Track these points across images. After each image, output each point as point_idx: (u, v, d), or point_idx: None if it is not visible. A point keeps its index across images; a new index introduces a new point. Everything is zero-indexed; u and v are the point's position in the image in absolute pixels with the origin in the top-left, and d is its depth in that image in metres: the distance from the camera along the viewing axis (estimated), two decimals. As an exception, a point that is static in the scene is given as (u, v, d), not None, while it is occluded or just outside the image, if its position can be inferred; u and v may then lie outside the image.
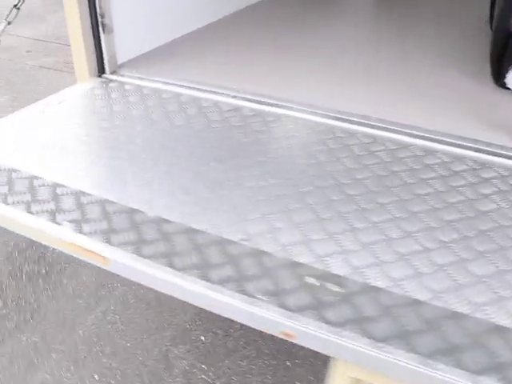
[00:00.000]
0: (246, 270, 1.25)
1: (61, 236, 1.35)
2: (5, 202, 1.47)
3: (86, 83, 2.13)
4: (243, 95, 2.01)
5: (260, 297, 1.18)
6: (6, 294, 2.58)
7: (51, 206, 1.45)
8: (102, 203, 1.46)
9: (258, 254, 1.30)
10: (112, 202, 1.46)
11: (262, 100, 1.98)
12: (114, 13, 2.12)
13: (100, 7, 2.07)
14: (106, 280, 2.65)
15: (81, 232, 1.36)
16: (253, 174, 1.59)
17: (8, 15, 1.72)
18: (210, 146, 1.72)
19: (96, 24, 2.08)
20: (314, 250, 1.32)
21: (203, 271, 1.24)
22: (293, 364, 2.29)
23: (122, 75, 2.19)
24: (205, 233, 1.35)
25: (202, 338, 2.39)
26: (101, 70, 2.18)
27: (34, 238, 1.41)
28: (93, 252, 1.31)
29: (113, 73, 2.20)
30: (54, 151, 1.69)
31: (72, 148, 1.71)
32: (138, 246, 1.31)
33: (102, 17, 2.09)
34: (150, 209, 1.44)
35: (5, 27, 1.68)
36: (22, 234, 1.43)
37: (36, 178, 1.56)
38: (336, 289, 1.22)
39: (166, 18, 2.47)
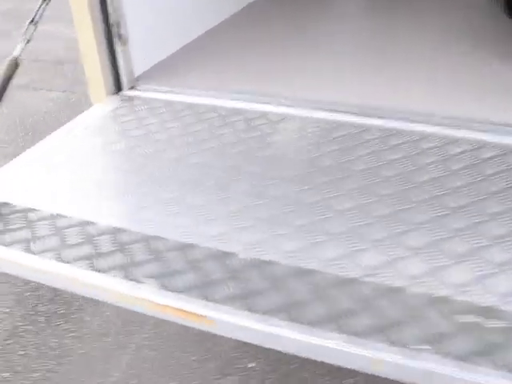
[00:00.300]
0: (388, 315, 1.00)
1: (145, 296, 1.06)
2: (58, 258, 1.17)
3: (105, 103, 1.81)
4: (290, 102, 1.74)
5: (419, 346, 0.94)
6: (24, 341, 2.23)
7: (121, 258, 1.15)
8: (183, 249, 1.17)
9: (391, 291, 1.06)
10: (194, 246, 1.17)
11: (313, 106, 1.72)
12: (128, 21, 1.81)
13: (114, 15, 1.75)
14: (133, 313, 2.34)
15: (169, 289, 1.07)
16: (340, 193, 1.34)
17: (25, 32, 1.39)
18: (278, 165, 1.45)
19: (110, 35, 1.77)
20: (451, 280, 1.09)
21: (338, 323, 0.99)
22: (355, 382, 2.07)
23: (144, 90, 1.88)
24: (322, 273, 1.09)
25: (252, 365, 2.13)
26: (118, 87, 1.86)
27: (108, 301, 1.12)
28: (191, 313, 1.03)
29: (131, 88, 1.89)
30: (100, 189, 1.39)
31: (120, 185, 1.40)
32: (246, 300, 1.04)
33: (118, 26, 1.77)
34: (242, 249, 1.16)
35: (24, 46, 1.36)
36: (92, 296, 1.13)
37: (89, 223, 1.26)
38: (500, 324, 0.99)
39: (176, 22, 2.17)
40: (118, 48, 1.80)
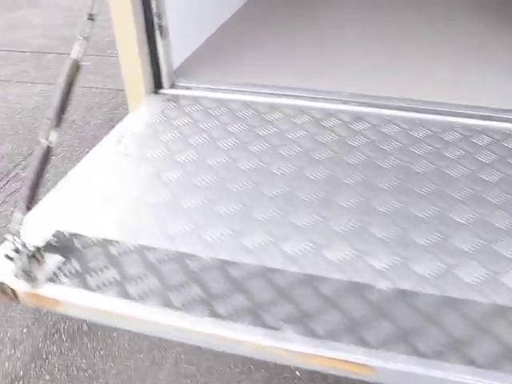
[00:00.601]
0: None
1: (290, 346, 0.89)
2: (168, 304, 0.97)
3: (149, 104, 1.58)
4: (354, 99, 1.57)
5: None
6: (50, 363, 1.99)
7: (243, 300, 0.97)
8: (311, 283, 1.00)
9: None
10: (321, 279, 1.01)
11: (383, 104, 1.55)
12: (168, 11, 1.58)
13: (156, 5, 1.52)
14: (165, 324, 2.14)
15: (313, 336, 0.91)
16: (452, 203, 1.20)
17: (83, 30, 1.15)
18: (372, 173, 1.29)
19: (152, 27, 1.54)
20: None
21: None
22: None
23: (187, 88, 1.66)
24: (479, 304, 0.96)
25: (298, 373, 2.00)
26: (158, 84, 1.63)
27: (244, 354, 0.94)
28: (348, 362, 0.87)
29: (172, 86, 1.67)
30: (179, 213, 1.18)
31: (201, 206, 1.19)
32: (405, 342, 0.90)
33: (159, 17, 1.54)
34: (377, 278, 1.01)
35: (83, 46, 1.12)
36: (224, 349, 0.95)
37: (187, 256, 1.07)
38: None
39: (201, 13, 1.93)
40: (159, 41, 1.57)
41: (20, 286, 1.03)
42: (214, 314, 0.94)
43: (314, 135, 1.42)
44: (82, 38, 1.15)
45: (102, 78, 3.39)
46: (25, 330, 2.13)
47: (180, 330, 0.93)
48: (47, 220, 1.18)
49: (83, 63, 1.19)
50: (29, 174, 1.05)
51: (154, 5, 1.51)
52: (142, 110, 1.55)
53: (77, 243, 1.11)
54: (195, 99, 1.59)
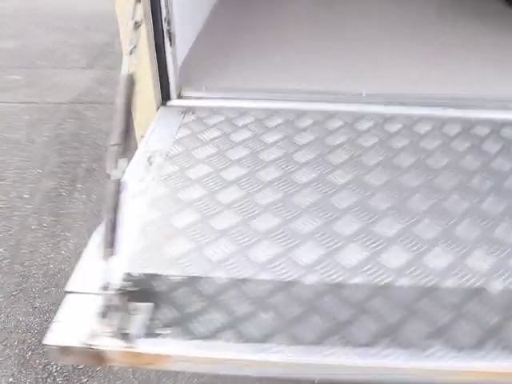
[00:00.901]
0: None
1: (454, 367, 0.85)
2: (295, 341, 0.87)
3: (162, 118, 1.43)
4: (379, 99, 1.55)
5: None
6: (50, 414, 1.78)
7: (368, 323, 0.90)
8: (425, 293, 0.96)
9: None
10: (433, 289, 0.97)
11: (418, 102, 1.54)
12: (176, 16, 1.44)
13: (165, 11, 1.38)
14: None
15: (461, 349, 0.87)
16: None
17: (131, 40, 0.98)
18: (427, 174, 1.28)
19: (161, 35, 1.39)
20: None
21: None
22: None
23: (198, 97, 1.53)
24: None
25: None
26: (166, 96, 1.49)
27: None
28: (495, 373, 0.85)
29: (179, 97, 1.53)
30: (254, 236, 1.07)
31: (279, 227, 1.10)
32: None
33: (169, 24, 1.40)
34: (490, 280, 0.99)
35: (134, 57, 0.96)
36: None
37: (288, 284, 0.97)
38: None
39: (190, 15, 1.79)
40: (168, 49, 1.43)
41: (112, 345, 0.87)
42: (351, 343, 0.87)
43: (353, 140, 1.38)
44: (130, 49, 1.00)
45: (39, 91, 3.07)
46: (11, 380, 1.87)
47: (323, 367, 0.84)
48: (106, 263, 1.01)
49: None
50: (106, 215, 0.89)
51: (164, 10, 1.36)
52: (159, 125, 1.40)
53: (157, 285, 0.97)
54: (212, 110, 1.48)
